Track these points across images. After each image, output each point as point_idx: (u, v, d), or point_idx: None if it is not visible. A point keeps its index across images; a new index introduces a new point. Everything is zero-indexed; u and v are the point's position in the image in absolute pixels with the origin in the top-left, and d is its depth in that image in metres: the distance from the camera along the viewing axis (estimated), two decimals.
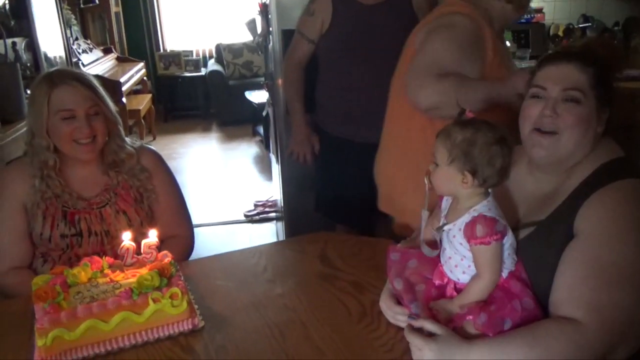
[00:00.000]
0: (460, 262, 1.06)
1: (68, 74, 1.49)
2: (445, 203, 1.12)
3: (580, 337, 0.94)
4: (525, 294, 1.04)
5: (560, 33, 4.03)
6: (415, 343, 1.00)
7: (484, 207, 1.03)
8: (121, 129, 1.56)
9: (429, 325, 1.01)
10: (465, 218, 1.03)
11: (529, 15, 4.08)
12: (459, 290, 1.08)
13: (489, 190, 1.06)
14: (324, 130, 2.21)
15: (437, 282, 1.12)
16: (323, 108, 2.21)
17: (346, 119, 2.14)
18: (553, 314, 1.01)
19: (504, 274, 1.05)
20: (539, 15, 4.10)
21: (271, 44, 2.49)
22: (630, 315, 0.96)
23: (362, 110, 2.11)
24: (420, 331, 1.02)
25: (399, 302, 1.14)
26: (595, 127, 1.08)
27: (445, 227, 1.08)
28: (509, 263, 1.06)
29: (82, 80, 1.46)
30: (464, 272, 1.07)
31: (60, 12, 3.63)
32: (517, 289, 1.05)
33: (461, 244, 1.04)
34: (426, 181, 1.08)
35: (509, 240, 1.05)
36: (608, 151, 1.10)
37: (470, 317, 1.01)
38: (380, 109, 2.11)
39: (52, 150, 1.46)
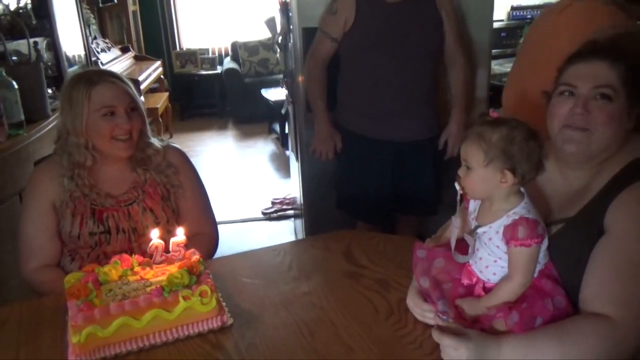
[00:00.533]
0: (492, 264, 1.06)
1: (105, 72, 1.52)
2: (474, 205, 1.11)
3: (611, 333, 0.94)
4: (557, 292, 1.04)
5: None
6: (449, 343, 0.99)
7: (523, 209, 1.02)
8: (148, 126, 1.58)
9: (455, 327, 1.01)
10: (504, 220, 1.02)
11: None
12: (487, 290, 1.07)
13: (522, 190, 1.05)
14: (345, 128, 2.22)
15: (465, 281, 1.11)
16: (345, 105, 2.21)
17: (369, 116, 2.14)
18: (583, 311, 1.00)
19: (535, 273, 1.05)
20: None
21: (291, 41, 2.49)
22: None
23: (385, 107, 2.11)
24: (448, 331, 1.01)
25: (425, 299, 1.14)
26: (626, 124, 1.07)
27: (479, 230, 1.07)
28: (541, 261, 1.05)
29: (118, 77, 1.50)
30: (494, 274, 1.06)
31: (80, 12, 3.66)
32: (548, 287, 1.04)
33: (498, 246, 1.04)
34: (457, 187, 1.07)
35: (545, 242, 1.04)
36: (639, 147, 1.09)
37: (501, 315, 1.00)
38: (403, 107, 2.11)
39: (89, 149, 1.48)
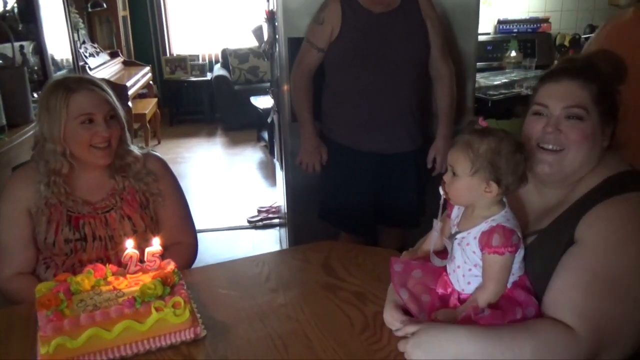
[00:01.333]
0: (467, 273, 1.06)
1: (83, 80, 1.50)
2: (457, 212, 1.12)
3: (570, 341, 0.94)
4: (529, 303, 1.04)
5: (567, 43, 4.03)
6: (401, 348, 1.01)
7: (502, 217, 1.03)
8: (127, 133, 1.57)
9: (410, 328, 1.03)
10: (483, 227, 1.03)
11: (535, 25, 4.08)
12: (462, 301, 1.08)
13: (504, 200, 1.06)
14: (329, 138, 2.21)
15: (440, 291, 1.12)
16: (329, 116, 2.20)
17: (352, 127, 2.13)
18: (545, 315, 1.01)
19: (509, 285, 1.05)
20: (545, 24, 4.10)
21: (277, 51, 2.49)
22: (620, 326, 0.96)
23: (368, 118, 2.11)
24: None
25: (405, 312, 1.14)
26: (600, 142, 1.08)
27: (458, 235, 1.07)
28: (515, 273, 1.05)
29: (99, 85, 1.49)
30: (469, 283, 1.07)
31: (68, 16, 3.65)
32: (521, 298, 1.05)
33: (474, 252, 1.04)
34: (441, 191, 1.08)
35: (521, 252, 1.05)
36: (614, 165, 1.10)
37: (472, 313, 1.01)
38: (386, 118, 2.11)
39: (67, 156, 1.46)
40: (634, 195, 1.03)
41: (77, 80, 1.49)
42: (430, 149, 2.24)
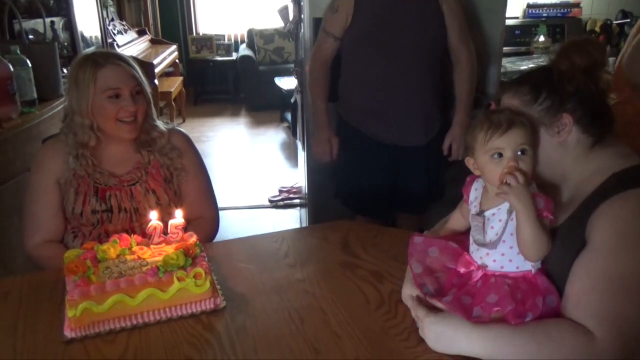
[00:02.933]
0: (493, 251, 1.06)
1: (112, 55, 1.54)
2: (474, 194, 1.13)
3: (590, 348, 0.93)
4: (550, 291, 1.04)
5: (597, 29, 3.94)
6: (417, 314, 1.04)
7: (533, 188, 1.04)
8: (153, 108, 1.60)
9: (420, 312, 1.06)
10: None
11: (565, 10, 3.99)
12: (487, 276, 1.07)
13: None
14: (345, 121, 2.21)
15: (462, 269, 1.12)
16: (345, 100, 2.20)
17: (366, 113, 2.13)
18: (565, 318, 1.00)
19: (533, 270, 1.05)
20: (576, 9, 4.01)
21: (302, 31, 2.49)
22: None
23: (381, 105, 2.09)
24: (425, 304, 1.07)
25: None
26: (547, 139, 1.07)
27: (487, 213, 1.07)
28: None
29: (126, 60, 1.52)
30: (494, 261, 1.07)
31: None
32: (544, 285, 1.05)
33: (505, 227, 1.04)
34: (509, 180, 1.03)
35: None
36: (620, 159, 1.07)
37: (498, 308, 1.01)
38: (399, 105, 2.08)
39: (94, 129, 1.50)
40: (636, 192, 1.00)
41: (105, 55, 1.52)
42: (446, 135, 2.19)
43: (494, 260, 1.07)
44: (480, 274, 1.09)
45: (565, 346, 0.94)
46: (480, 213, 1.09)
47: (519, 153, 1.03)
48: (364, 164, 2.20)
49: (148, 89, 1.57)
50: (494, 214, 1.07)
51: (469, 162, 1.11)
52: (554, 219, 1.02)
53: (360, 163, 2.20)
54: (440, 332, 1.04)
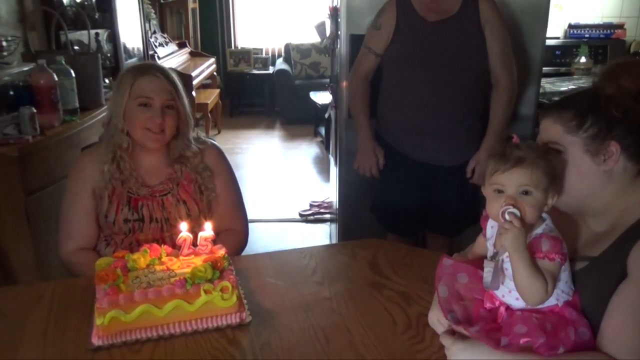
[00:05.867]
0: (515, 289, 1.02)
1: (155, 67, 1.60)
2: (491, 232, 1.09)
3: None
4: (581, 323, 1.00)
5: None
6: (444, 342, 1.03)
7: (543, 228, 1.00)
8: (191, 130, 1.63)
9: (446, 341, 1.05)
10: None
11: (608, 31, 3.90)
12: (511, 312, 1.04)
13: (545, 215, 1.02)
14: (382, 138, 2.20)
15: (488, 305, 1.09)
16: (383, 118, 2.19)
17: (404, 133, 2.12)
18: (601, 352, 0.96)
19: (560, 303, 1.02)
20: (619, 31, 3.92)
21: (339, 47, 2.50)
22: None
23: (418, 126, 2.08)
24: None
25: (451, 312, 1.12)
26: (593, 168, 1.02)
27: (502, 257, 1.03)
28: (566, 291, 1.02)
29: (165, 74, 1.56)
30: (517, 299, 1.03)
31: (141, 7, 3.81)
32: (573, 317, 1.01)
33: None
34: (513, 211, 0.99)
35: (567, 268, 1.01)
36: None
37: (528, 339, 0.98)
38: (437, 127, 2.05)
39: (125, 134, 1.55)
40: None
41: (149, 66, 1.60)
42: (472, 158, 2.12)
43: (517, 299, 1.03)
44: (502, 314, 1.05)
45: None
46: (494, 256, 1.05)
47: (521, 193, 0.99)
48: (399, 181, 2.18)
49: (187, 108, 1.60)
50: (507, 256, 1.03)
51: (483, 191, 1.07)
52: (563, 259, 0.97)
53: (395, 180, 2.18)
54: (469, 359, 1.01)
